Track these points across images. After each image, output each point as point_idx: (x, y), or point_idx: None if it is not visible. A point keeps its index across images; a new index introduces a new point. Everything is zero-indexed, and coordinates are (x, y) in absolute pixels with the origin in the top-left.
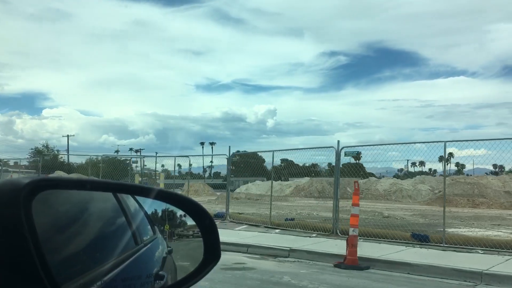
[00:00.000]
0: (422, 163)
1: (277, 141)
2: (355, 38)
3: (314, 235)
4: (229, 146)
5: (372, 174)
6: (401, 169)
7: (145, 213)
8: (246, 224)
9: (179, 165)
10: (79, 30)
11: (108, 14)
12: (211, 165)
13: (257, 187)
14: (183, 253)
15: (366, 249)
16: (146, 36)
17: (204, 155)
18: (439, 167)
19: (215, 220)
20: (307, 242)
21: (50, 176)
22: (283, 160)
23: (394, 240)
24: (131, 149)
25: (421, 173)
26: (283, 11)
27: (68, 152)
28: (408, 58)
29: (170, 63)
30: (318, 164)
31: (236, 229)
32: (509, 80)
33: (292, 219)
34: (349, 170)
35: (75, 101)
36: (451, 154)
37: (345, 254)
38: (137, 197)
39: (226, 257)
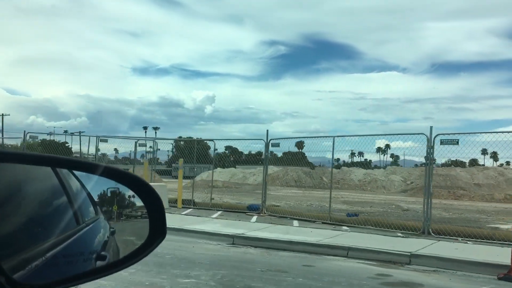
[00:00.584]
0: (361, 154)
1: (215, 127)
2: (295, 29)
3: (400, 234)
4: (267, 131)
5: (310, 163)
6: (337, 159)
7: (88, 192)
8: (292, 218)
9: (116, 150)
10: (4, 4)
11: None
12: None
13: (219, 174)
14: (130, 232)
15: None
16: (79, 13)
17: (167, 138)
18: (373, 157)
19: (249, 214)
20: (412, 244)
21: None
22: (227, 148)
23: None
24: (65, 132)
25: (358, 164)
26: None
27: (2, 133)
28: (345, 51)
29: (105, 44)
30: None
31: (295, 225)
32: (436, 76)
33: (356, 215)
34: (292, 158)
35: (1, 80)
36: (388, 146)
37: (509, 264)
38: (80, 177)
39: (350, 265)
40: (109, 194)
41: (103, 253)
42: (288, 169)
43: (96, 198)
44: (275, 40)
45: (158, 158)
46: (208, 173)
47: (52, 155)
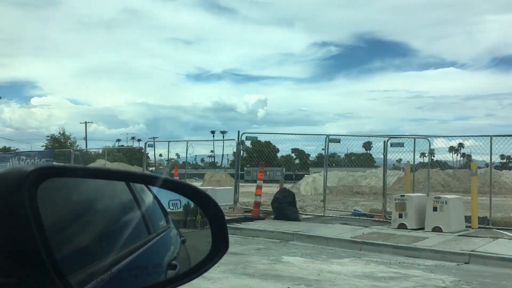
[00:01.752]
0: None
1: (267, 131)
2: (346, 29)
3: None
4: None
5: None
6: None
7: (159, 202)
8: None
9: (177, 155)
10: (67, 17)
11: (96, 1)
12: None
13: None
14: (194, 243)
15: None
16: (136, 24)
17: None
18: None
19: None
20: None
21: (55, 164)
22: (293, 150)
23: None
24: (133, 138)
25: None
26: (274, 0)
27: (86, 140)
28: (399, 49)
29: (161, 52)
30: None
31: None
32: (498, 71)
33: None
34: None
35: (64, 90)
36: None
37: None
38: (151, 187)
39: None
40: (176, 205)
41: (173, 262)
42: (431, 171)
43: (167, 208)
44: (326, 41)
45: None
46: (312, 177)
47: (107, 169)
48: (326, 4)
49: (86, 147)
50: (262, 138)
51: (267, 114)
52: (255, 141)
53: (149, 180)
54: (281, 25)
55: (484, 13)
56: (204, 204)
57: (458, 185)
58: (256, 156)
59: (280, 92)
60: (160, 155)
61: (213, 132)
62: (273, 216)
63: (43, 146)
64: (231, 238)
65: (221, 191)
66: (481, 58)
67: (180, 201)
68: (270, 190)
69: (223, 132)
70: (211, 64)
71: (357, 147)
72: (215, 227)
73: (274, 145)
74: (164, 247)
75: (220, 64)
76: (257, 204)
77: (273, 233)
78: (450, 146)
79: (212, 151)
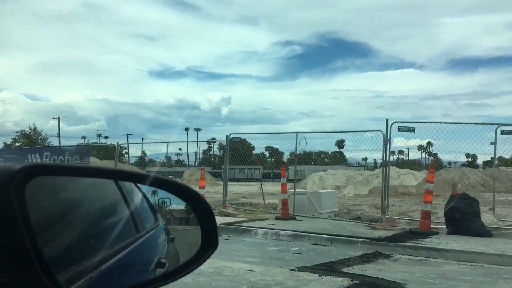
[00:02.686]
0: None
1: (231, 129)
2: (309, 28)
3: None
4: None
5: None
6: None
7: (148, 200)
8: None
9: (144, 152)
10: (23, 10)
11: None
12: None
13: (332, 177)
14: (184, 242)
15: None
16: (96, 18)
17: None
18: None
19: None
20: None
21: (43, 162)
22: (267, 148)
23: None
24: (99, 135)
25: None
26: None
27: (59, 137)
28: (360, 49)
29: (122, 48)
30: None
31: None
32: (454, 73)
33: None
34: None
35: (21, 85)
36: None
37: None
38: (139, 185)
39: None
40: (164, 203)
41: (162, 260)
42: (465, 171)
43: (155, 206)
44: (290, 40)
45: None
46: (319, 176)
47: (97, 167)
48: (290, 3)
49: (60, 144)
50: (256, 139)
51: (230, 112)
52: (231, 140)
53: (138, 178)
54: (245, 23)
55: (442, 16)
56: (194, 202)
57: (498, 184)
58: (232, 154)
59: (244, 90)
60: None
61: (186, 129)
62: (446, 230)
63: (11, 142)
64: (433, 267)
65: (325, 195)
66: (438, 59)
67: (170, 200)
68: (250, 189)
69: (197, 130)
70: (174, 61)
71: (322, 146)
72: (205, 225)
73: (250, 143)
74: (153, 245)
75: (183, 61)
76: (427, 215)
77: (501, 258)
78: (419, 145)
79: (180, 149)
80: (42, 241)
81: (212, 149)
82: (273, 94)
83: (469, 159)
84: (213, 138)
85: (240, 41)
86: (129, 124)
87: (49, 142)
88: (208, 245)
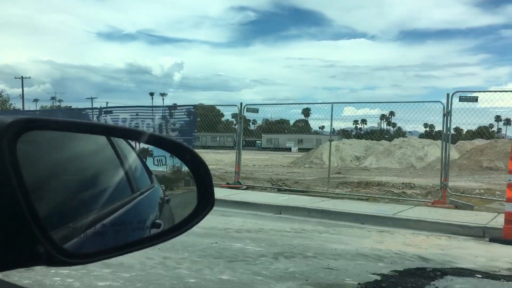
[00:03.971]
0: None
1: (183, 95)
2: None
3: None
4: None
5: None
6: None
7: (143, 160)
8: None
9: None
10: None
11: None
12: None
13: (350, 146)
14: (180, 202)
15: None
16: None
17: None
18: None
19: None
20: None
21: (37, 116)
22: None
23: None
24: (53, 98)
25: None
26: None
27: (23, 99)
28: (314, 18)
29: (69, 7)
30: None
31: None
32: (404, 44)
33: None
34: None
35: None
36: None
37: None
38: (134, 144)
39: None
40: (160, 163)
41: (157, 221)
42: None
43: (151, 167)
44: (244, 6)
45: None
46: (335, 145)
47: (92, 122)
48: None
49: (23, 107)
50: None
51: (183, 78)
52: (199, 106)
53: (133, 135)
54: None
55: None
56: (190, 161)
57: None
58: (200, 121)
59: (197, 56)
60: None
61: (152, 94)
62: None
63: None
64: None
65: None
66: (389, 30)
67: (165, 158)
68: (225, 157)
69: (163, 94)
70: (124, 24)
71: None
72: (201, 183)
73: (219, 110)
74: (148, 206)
75: (134, 23)
76: None
77: None
78: (382, 114)
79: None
80: (36, 198)
81: (174, 115)
82: (226, 60)
83: None
84: (175, 104)
85: (193, 4)
86: (77, 88)
87: (11, 104)
88: (204, 204)
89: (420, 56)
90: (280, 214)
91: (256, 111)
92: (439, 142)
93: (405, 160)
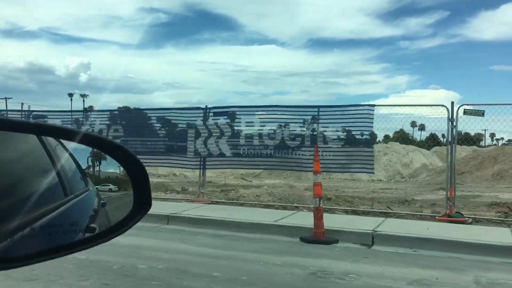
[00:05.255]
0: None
1: (91, 97)
2: None
3: None
4: None
5: None
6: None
7: (77, 162)
8: None
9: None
10: None
11: None
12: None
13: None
14: (116, 205)
15: None
16: None
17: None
18: None
19: None
20: None
21: None
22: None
23: None
24: None
25: None
26: None
27: None
28: (227, 22)
29: None
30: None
31: None
32: (313, 51)
33: None
34: None
35: None
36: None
37: None
38: (70, 146)
39: None
40: (94, 163)
41: (92, 225)
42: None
43: (86, 169)
44: (155, 8)
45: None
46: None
47: (18, 120)
48: None
49: None
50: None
51: (90, 79)
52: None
53: (66, 134)
54: None
55: None
56: (126, 161)
57: None
58: (126, 124)
59: (106, 57)
60: None
61: (70, 94)
62: None
63: None
64: None
65: None
66: (299, 38)
67: (101, 160)
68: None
69: (83, 96)
70: (25, 20)
71: None
72: (137, 184)
73: (146, 112)
74: (82, 209)
75: (36, 20)
76: None
77: None
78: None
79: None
80: None
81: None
82: (137, 62)
83: None
84: (90, 106)
85: (101, 3)
86: None
87: None
88: (140, 206)
89: (327, 64)
90: None
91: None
92: (422, 149)
93: (391, 167)
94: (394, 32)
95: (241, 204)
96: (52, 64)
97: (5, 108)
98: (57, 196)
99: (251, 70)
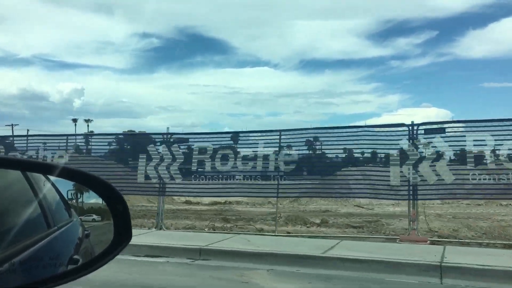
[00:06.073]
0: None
1: (85, 123)
2: (167, 21)
3: None
4: None
5: None
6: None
7: (60, 195)
8: None
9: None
10: None
11: None
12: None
13: None
14: (99, 236)
15: None
16: None
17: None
18: None
19: None
20: None
21: None
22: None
23: None
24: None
25: None
26: None
27: None
28: (219, 45)
29: None
30: None
31: None
32: (305, 72)
33: None
34: None
35: None
36: None
37: None
38: (53, 179)
39: None
40: (77, 196)
41: (75, 256)
42: None
43: (69, 200)
44: (148, 33)
45: None
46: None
47: (2, 156)
48: None
49: None
50: None
51: (84, 105)
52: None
53: (46, 169)
54: (99, 12)
55: (295, 18)
56: (106, 194)
57: None
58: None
59: (99, 82)
60: None
61: (75, 120)
62: None
63: None
64: None
65: None
66: (291, 59)
67: (83, 193)
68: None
69: (87, 121)
70: (18, 47)
71: None
72: (118, 217)
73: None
74: (65, 242)
75: (29, 48)
76: None
77: None
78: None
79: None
80: None
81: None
82: (130, 87)
83: None
84: (91, 131)
85: (94, 29)
86: None
87: None
88: (120, 238)
89: (319, 84)
90: None
91: (186, 141)
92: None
93: None
94: (384, 52)
95: None
96: (45, 90)
97: (11, 134)
98: (40, 229)
99: (244, 92)
